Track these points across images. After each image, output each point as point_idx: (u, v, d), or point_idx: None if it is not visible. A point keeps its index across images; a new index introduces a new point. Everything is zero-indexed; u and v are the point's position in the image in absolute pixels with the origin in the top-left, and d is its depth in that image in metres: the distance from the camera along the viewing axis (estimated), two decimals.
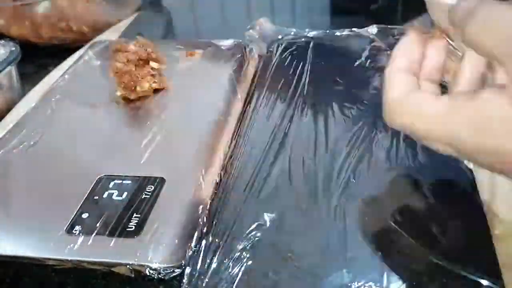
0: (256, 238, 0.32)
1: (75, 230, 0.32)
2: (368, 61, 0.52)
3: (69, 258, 0.30)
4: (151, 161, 0.37)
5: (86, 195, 0.34)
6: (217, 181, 0.37)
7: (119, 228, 0.32)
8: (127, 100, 0.45)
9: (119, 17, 0.67)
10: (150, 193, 0.34)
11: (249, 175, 0.38)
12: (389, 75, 0.29)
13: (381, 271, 0.30)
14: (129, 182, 0.35)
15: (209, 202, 0.35)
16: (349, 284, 0.29)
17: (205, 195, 0.35)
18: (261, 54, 0.54)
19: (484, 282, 0.28)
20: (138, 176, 0.35)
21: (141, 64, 0.45)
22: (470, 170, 0.36)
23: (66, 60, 0.58)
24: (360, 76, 0.50)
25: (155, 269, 0.29)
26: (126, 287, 0.31)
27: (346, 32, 0.57)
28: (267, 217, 0.34)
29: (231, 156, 0.40)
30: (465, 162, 0.37)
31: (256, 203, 0.35)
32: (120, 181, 0.35)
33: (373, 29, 0.56)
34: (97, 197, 0.34)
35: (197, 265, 0.31)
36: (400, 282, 0.29)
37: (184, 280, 0.30)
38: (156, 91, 0.46)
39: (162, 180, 0.35)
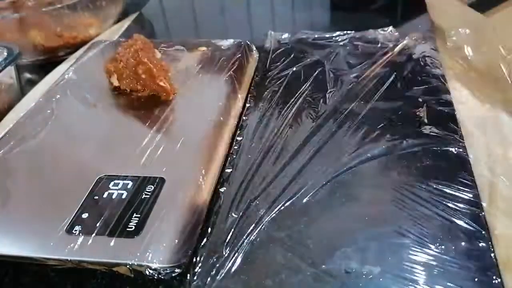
0: (257, 238, 0.32)
1: (75, 230, 0.32)
2: (371, 63, 0.52)
3: (69, 258, 0.30)
4: (151, 161, 0.37)
5: (86, 195, 0.34)
6: (217, 181, 0.37)
7: (119, 228, 0.32)
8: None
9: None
10: (150, 193, 0.34)
11: (250, 175, 0.38)
12: None
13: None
14: (129, 182, 0.35)
15: (209, 202, 0.35)
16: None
17: (205, 195, 0.35)
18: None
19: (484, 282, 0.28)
20: (138, 176, 0.35)
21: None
22: (471, 172, 0.36)
23: (66, 60, 0.59)
24: (362, 77, 0.50)
25: (155, 269, 0.29)
26: (126, 287, 0.31)
27: (349, 33, 0.57)
28: (267, 217, 0.34)
29: (231, 156, 0.40)
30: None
31: (256, 203, 0.35)
32: (120, 181, 0.35)
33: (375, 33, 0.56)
34: (97, 197, 0.34)
35: (197, 265, 0.31)
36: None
37: (184, 280, 0.30)
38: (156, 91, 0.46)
39: (162, 180, 0.35)
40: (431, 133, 0.40)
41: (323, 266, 0.30)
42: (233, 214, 0.35)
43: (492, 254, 0.30)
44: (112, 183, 0.35)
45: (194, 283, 0.30)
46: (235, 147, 0.41)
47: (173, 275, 0.30)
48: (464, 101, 0.45)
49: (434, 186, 0.35)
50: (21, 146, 0.40)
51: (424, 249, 0.31)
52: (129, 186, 0.35)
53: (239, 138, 0.42)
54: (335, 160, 0.38)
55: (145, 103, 0.45)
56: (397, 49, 0.54)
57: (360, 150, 0.39)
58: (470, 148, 0.39)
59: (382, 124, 0.42)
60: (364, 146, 0.39)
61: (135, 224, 0.32)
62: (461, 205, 0.34)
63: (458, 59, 0.52)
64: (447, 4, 0.70)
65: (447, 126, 0.41)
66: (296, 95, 0.47)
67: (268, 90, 0.48)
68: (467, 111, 0.43)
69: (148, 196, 0.34)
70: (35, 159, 0.39)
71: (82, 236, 0.31)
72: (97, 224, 0.32)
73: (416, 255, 0.30)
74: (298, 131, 0.42)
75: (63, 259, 0.30)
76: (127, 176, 0.36)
